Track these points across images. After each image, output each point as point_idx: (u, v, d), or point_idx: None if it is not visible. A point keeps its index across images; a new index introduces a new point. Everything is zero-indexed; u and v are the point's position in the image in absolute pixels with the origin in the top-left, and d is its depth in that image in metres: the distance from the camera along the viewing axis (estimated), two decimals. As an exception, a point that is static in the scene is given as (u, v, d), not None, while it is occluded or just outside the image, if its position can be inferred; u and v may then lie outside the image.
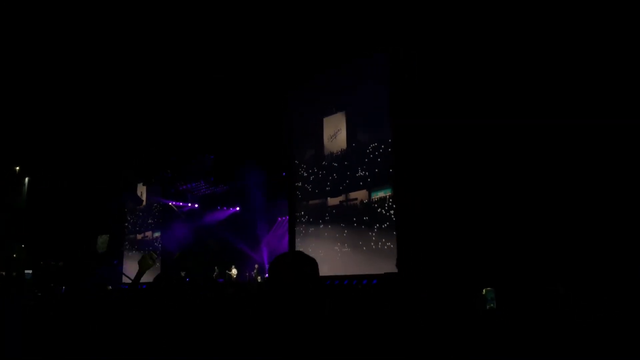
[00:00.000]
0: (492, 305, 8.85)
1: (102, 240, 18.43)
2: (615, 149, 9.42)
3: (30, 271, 17.85)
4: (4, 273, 21.13)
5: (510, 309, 8.49)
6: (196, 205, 23.15)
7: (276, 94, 15.49)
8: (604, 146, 9.53)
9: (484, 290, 9.11)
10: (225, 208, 23.33)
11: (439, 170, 11.54)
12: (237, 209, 23.29)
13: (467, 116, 11.08)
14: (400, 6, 11.74)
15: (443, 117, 11.64)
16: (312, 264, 2.43)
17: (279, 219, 21.74)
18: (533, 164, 10.44)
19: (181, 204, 22.97)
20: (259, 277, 19.75)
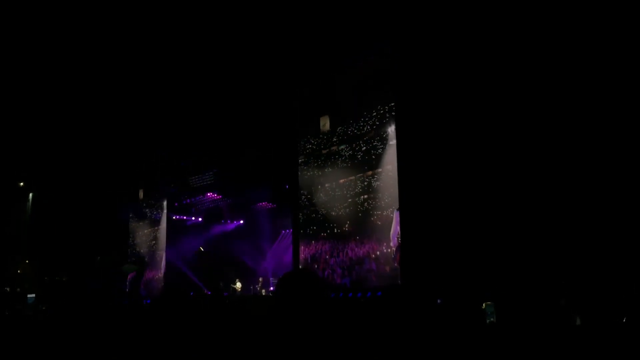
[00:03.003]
0: (492, 319, 8.88)
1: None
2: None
3: (33, 295, 17.87)
4: (8, 289, 21.17)
5: (511, 322, 8.49)
6: (200, 219, 23.17)
7: (280, 106, 15.57)
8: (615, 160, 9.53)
9: (483, 305, 9.12)
10: (229, 221, 23.34)
11: (444, 182, 11.54)
12: (241, 222, 23.29)
13: (480, 126, 11.12)
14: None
15: (450, 124, 11.64)
16: (316, 281, 2.51)
17: (283, 231, 21.73)
18: (538, 171, 10.44)
19: (185, 217, 22.98)
20: (263, 290, 19.71)
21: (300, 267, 13.76)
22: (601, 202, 9.47)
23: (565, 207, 9.90)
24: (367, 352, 2.58)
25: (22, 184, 23.62)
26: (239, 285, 20.74)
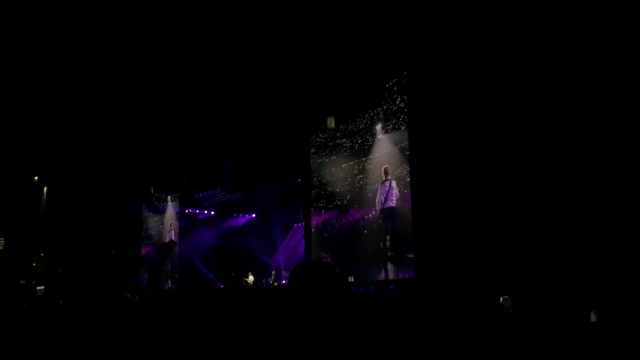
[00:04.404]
0: (509, 312, 8.86)
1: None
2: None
3: (42, 287, 18.07)
4: (24, 282, 21.40)
5: (528, 316, 8.44)
6: (212, 213, 23.25)
7: (291, 101, 15.80)
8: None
9: (501, 298, 9.12)
10: (241, 215, 23.41)
11: (456, 178, 11.57)
12: (254, 215, 23.35)
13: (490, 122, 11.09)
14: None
15: (459, 122, 11.66)
16: (331, 272, 2.46)
17: (295, 225, 21.76)
18: (551, 168, 10.37)
19: (197, 211, 23.08)
20: (275, 283, 19.78)
21: (313, 258, 14.94)
22: (612, 202, 9.40)
23: (573, 206, 9.85)
24: (379, 346, 2.54)
25: (36, 178, 23.81)
26: (251, 278, 20.82)
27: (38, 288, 19.00)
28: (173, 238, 22.12)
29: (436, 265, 11.50)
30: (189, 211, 22.78)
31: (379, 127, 13.57)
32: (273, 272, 20.66)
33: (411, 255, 11.89)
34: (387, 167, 13.11)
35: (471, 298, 9.37)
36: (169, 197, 22.96)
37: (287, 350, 2.30)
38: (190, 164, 20.87)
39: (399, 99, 13.05)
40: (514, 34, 10.68)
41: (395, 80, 13.20)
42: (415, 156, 12.69)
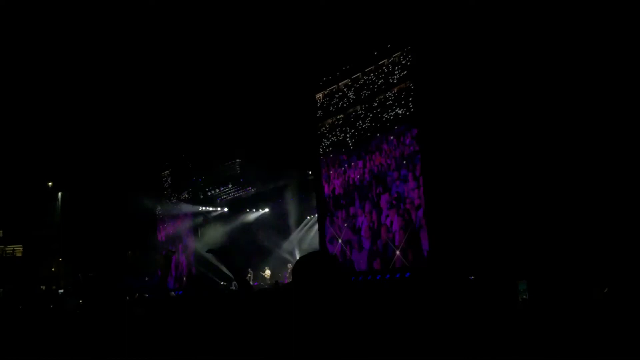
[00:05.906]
0: (524, 296, 8.84)
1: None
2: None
3: (62, 290, 18.28)
4: (44, 287, 21.66)
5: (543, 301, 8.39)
6: (225, 209, 23.33)
7: (303, 95, 16.02)
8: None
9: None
10: (254, 210, 23.47)
11: (468, 165, 11.54)
12: (267, 210, 23.40)
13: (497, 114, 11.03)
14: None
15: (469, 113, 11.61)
16: (334, 262, 2.43)
17: (307, 217, 21.80)
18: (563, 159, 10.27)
19: (211, 208, 23.17)
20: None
21: (320, 248, 15.50)
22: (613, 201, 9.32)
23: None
24: (388, 341, 2.51)
25: (51, 184, 24.04)
26: (268, 272, 20.89)
27: (60, 291, 19.24)
28: (186, 237, 22.32)
29: (449, 255, 11.47)
30: (202, 209, 22.88)
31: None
32: (289, 265, 20.70)
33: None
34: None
35: (485, 286, 9.35)
36: (181, 197, 23.08)
37: (295, 344, 2.28)
38: (203, 161, 20.94)
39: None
40: (512, 35, 10.64)
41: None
42: (425, 152, 12.75)
